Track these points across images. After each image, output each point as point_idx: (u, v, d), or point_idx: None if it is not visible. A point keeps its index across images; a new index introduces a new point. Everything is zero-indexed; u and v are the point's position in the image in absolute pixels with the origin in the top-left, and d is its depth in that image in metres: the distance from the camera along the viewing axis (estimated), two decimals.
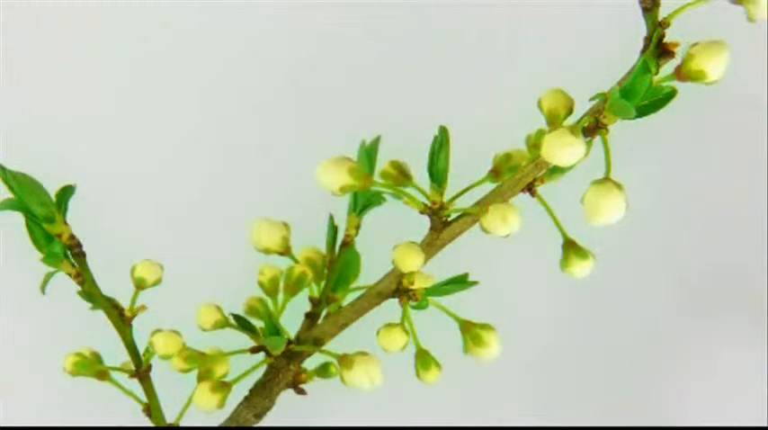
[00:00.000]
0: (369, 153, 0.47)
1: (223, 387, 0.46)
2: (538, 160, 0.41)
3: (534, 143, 0.47)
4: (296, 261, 0.48)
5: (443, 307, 0.45)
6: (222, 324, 0.47)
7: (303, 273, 0.48)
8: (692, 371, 0.65)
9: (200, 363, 0.47)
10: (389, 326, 0.44)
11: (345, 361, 0.44)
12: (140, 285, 0.47)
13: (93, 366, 0.47)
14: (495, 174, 0.46)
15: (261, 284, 0.49)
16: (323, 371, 0.48)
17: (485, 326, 0.45)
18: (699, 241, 0.66)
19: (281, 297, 0.49)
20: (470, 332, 0.45)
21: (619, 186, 0.40)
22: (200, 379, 0.47)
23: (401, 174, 0.45)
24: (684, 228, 0.66)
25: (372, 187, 0.44)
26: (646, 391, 0.65)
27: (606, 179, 0.40)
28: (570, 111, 0.43)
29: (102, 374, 0.48)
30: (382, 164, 0.47)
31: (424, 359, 0.45)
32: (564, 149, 0.39)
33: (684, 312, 0.66)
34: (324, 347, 0.47)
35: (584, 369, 0.65)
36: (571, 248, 0.43)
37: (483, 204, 0.43)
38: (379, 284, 0.45)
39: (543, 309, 0.65)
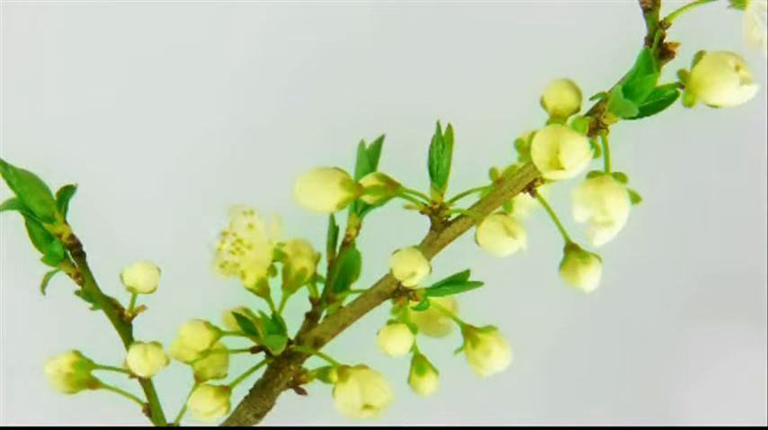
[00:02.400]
0: (370, 155, 0.47)
1: (224, 391, 0.45)
2: None
3: (528, 146, 0.46)
4: (285, 262, 0.48)
5: (445, 308, 0.45)
6: (217, 336, 0.46)
7: (303, 269, 0.48)
8: (693, 372, 0.65)
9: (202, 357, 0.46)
10: (391, 324, 0.43)
11: (342, 373, 0.44)
12: (133, 292, 0.46)
13: (87, 368, 0.47)
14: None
15: (249, 289, 0.48)
16: (324, 374, 0.48)
17: (488, 331, 0.44)
18: (699, 243, 0.66)
19: (279, 295, 0.48)
20: (471, 336, 0.44)
21: (622, 177, 0.39)
22: (198, 378, 0.47)
23: (389, 184, 0.43)
24: (685, 230, 0.66)
25: (364, 196, 0.43)
26: (646, 392, 0.65)
27: (604, 173, 0.39)
28: (576, 110, 0.42)
29: (94, 383, 0.47)
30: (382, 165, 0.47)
31: (420, 364, 0.45)
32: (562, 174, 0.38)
33: (685, 314, 0.66)
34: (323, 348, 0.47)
35: (585, 370, 0.65)
36: (573, 252, 0.42)
37: (483, 205, 0.42)
38: (379, 284, 0.45)
39: (544, 311, 0.65)
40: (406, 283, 0.42)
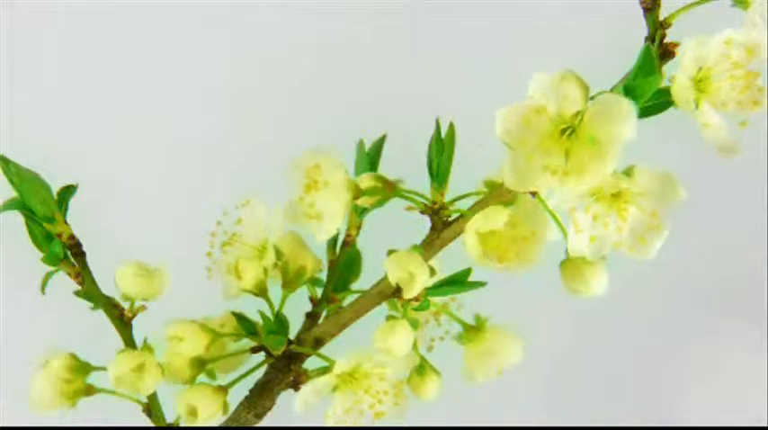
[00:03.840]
0: (370, 155, 0.46)
1: (220, 392, 0.45)
2: None
3: None
4: (283, 260, 0.48)
5: (446, 308, 0.45)
6: (215, 338, 0.46)
7: (302, 268, 0.48)
8: (694, 373, 0.65)
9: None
10: (391, 320, 0.42)
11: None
12: (131, 300, 0.46)
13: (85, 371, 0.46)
14: None
15: (247, 291, 0.47)
16: (323, 375, 0.47)
17: (489, 330, 0.44)
18: (699, 244, 0.66)
19: (278, 294, 0.48)
20: (473, 337, 0.44)
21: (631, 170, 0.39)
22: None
23: (387, 186, 0.43)
24: (685, 231, 0.66)
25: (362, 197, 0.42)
26: (647, 392, 0.65)
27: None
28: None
29: (90, 390, 0.47)
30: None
31: (420, 365, 0.44)
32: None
33: (686, 314, 0.66)
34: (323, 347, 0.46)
35: (585, 370, 0.65)
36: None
37: (483, 205, 0.42)
38: (379, 284, 0.45)
39: (544, 311, 0.65)
40: (407, 292, 0.41)
